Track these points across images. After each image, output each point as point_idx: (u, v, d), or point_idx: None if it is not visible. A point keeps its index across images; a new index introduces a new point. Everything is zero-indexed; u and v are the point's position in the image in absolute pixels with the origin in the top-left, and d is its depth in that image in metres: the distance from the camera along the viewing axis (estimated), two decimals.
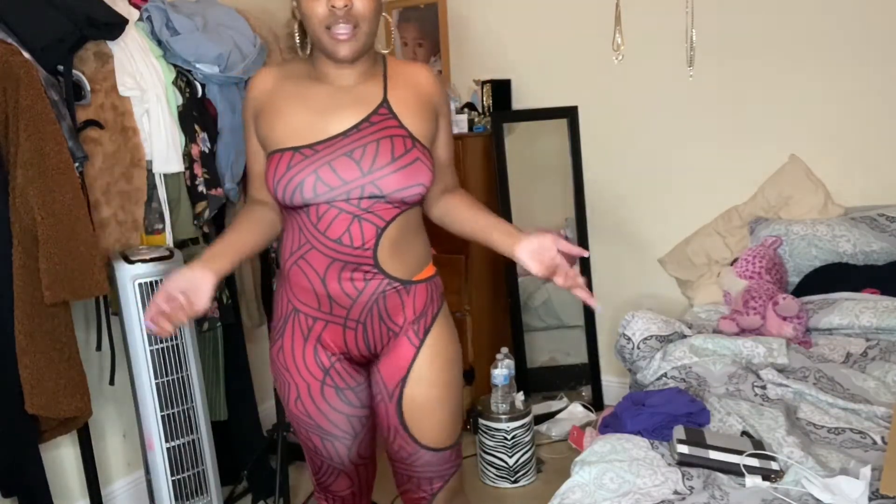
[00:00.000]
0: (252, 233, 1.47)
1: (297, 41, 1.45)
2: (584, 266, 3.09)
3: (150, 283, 1.97)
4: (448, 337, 1.51)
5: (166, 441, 2.02)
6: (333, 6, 1.28)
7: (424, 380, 1.47)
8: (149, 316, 1.29)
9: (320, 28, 1.32)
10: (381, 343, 1.48)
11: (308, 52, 1.46)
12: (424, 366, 1.47)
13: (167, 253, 2.03)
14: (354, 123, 1.38)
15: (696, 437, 1.60)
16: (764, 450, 1.56)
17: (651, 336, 2.17)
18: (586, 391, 3.13)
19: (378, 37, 1.44)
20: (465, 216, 1.49)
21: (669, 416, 1.69)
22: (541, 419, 2.93)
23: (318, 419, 1.50)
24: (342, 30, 1.30)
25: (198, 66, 2.26)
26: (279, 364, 1.51)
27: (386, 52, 1.49)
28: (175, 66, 2.23)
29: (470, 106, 3.10)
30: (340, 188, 1.35)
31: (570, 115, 3.03)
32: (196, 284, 1.32)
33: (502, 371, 2.58)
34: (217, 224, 2.44)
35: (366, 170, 1.35)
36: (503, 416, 2.55)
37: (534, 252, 1.33)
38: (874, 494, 1.38)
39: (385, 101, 1.40)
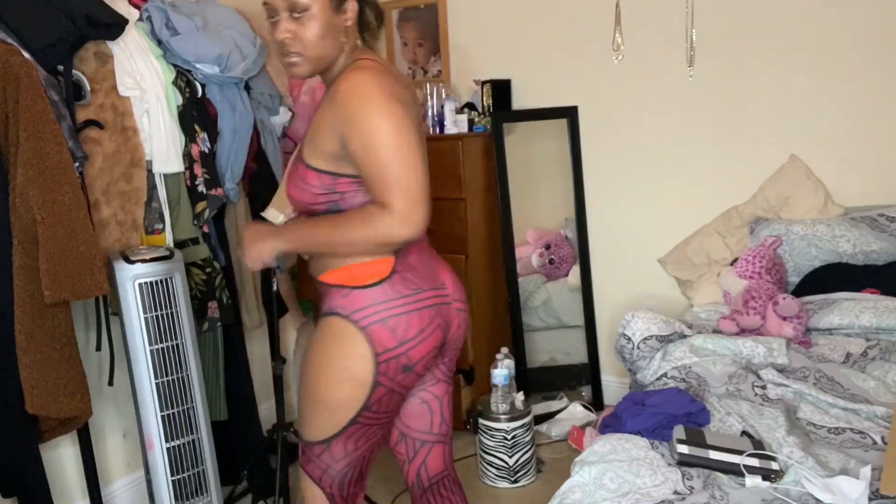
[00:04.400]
0: None
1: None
2: (585, 266, 3.10)
3: (150, 283, 1.97)
4: (311, 343, 1.54)
5: (166, 441, 2.02)
6: (276, 38, 1.45)
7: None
8: None
9: (278, 54, 1.49)
10: None
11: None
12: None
13: (167, 253, 2.03)
14: None
15: (696, 437, 1.60)
16: (764, 450, 1.56)
17: (651, 336, 2.17)
18: (586, 391, 3.13)
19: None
20: None
21: (669, 416, 1.69)
22: (541, 419, 2.92)
23: None
24: (289, 58, 1.47)
25: (198, 66, 2.26)
26: None
27: (360, 58, 1.49)
28: (175, 66, 2.23)
29: (470, 106, 3.10)
30: None
31: (570, 115, 3.03)
32: None
33: (502, 371, 2.58)
34: (217, 224, 2.44)
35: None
36: (503, 416, 2.55)
37: None
38: (874, 494, 1.38)
39: (312, 119, 1.54)
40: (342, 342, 1.46)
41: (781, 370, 2.02)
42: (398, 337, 1.46)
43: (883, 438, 1.62)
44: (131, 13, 2.16)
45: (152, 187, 2.16)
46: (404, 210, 1.35)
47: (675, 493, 1.46)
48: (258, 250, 1.51)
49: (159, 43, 2.20)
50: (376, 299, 1.46)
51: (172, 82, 2.20)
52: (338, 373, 1.47)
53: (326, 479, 1.56)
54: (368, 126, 1.36)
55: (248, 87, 2.45)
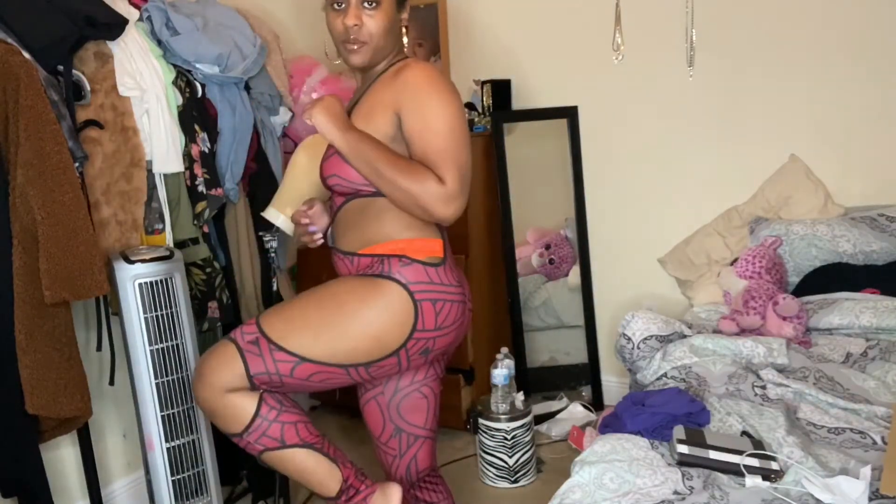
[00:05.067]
0: None
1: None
2: (585, 266, 3.10)
3: (150, 283, 1.97)
4: (346, 286, 1.54)
5: (166, 441, 2.02)
6: (345, 25, 1.50)
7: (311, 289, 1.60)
8: None
9: (339, 40, 1.54)
10: None
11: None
12: (320, 286, 1.59)
13: (167, 253, 2.03)
14: None
15: (696, 437, 1.60)
16: (764, 450, 1.56)
17: (651, 336, 2.17)
18: (586, 391, 3.13)
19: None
20: None
21: (669, 416, 1.69)
22: (541, 419, 2.92)
23: None
24: (353, 44, 1.52)
25: (198, 66, 2.26)
26: None
27: (406, 56, 1.60)
28: (175, 66, 2.23)
29: (470, 106, 3.10)
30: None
31: (570, 115, 3.03)
32: None
33: (502, 371, 2.58)
34: (217, 224, 2.44)
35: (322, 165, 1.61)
36: (503, 416, 2.55)
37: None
38: (874, 494, 1.38)
39: (352, 107, 1.60)
40: (392, 308, 1.49)
41: (781, 370, 2.02)
42: (438, 321, 1.52)
43: (883, 438, 1.62)
44: (131, 13, 2.16)
45: (152, 187, 2.16)
46: (455, 190, 1.42)
47: (675, 493, 1.46)
48: (322, 117, 1.48)
49: (159, 43, 2.20)
50: (433, 279, 1.51)
51: (172, 82, 2.20)
52: (370, 331, 1.49)
53: (263, 378, 1.50)
54: (432, 108, 1.45)
55: (248, 87, 2.45)
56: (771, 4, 2.61)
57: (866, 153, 2.56)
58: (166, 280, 2.00)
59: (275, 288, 2.41)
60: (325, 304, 1.52)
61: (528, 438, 2.58)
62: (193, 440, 2.06)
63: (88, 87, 2.01)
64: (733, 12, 2.67)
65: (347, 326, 1.49)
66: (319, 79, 2.75)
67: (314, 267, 3.02)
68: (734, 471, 1.50)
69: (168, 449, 2.02)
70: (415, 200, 1.43)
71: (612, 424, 1.77)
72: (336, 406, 3.08)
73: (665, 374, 2.07)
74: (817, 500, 1.38)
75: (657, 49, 2.80)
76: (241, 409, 1.51)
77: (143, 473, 2.15)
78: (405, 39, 1.64)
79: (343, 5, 1.50)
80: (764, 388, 1.90)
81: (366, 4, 1.49)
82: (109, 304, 2.10)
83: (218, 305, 2.35)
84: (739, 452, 1.53)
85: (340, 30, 1.51)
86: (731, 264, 2.60)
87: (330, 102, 1.51)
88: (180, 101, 2.22)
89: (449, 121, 1.45)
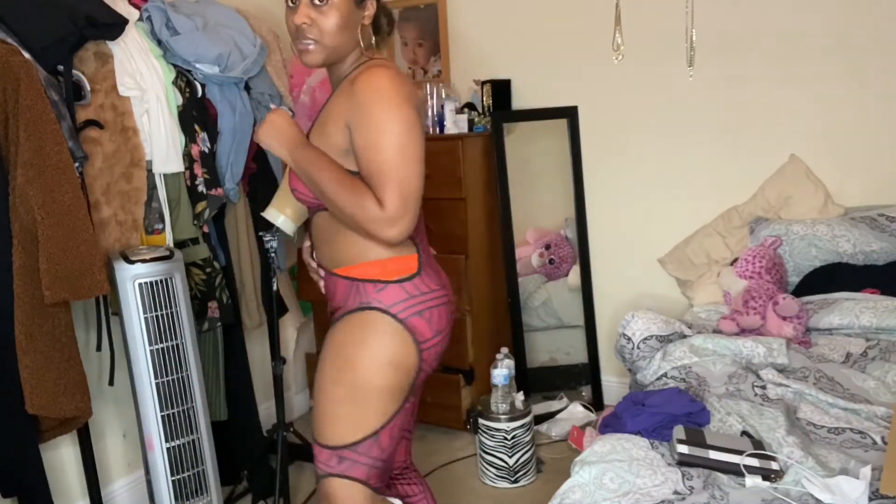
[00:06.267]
0: None
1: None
2: (585, 266, 3.10)
3: (150, 283, 1.97)
4: (337, 340, 1.51)
5: (166, 441, 2.02)
6: (295, 23, 1.45)
7: (317, 371, 1.56)
8: None
9: (292, 39, 1.49)
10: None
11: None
12: (320, 361, 1.56)
13: (167, 253, 2.03)
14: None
15: (696, 437, 1.60)
16: (764, 450, 1.56)
17: (651, 336, 2.17)
18: (586, 391, 3.13)
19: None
20: None
21: (669, 416, 1.69)
22: (541, 419, 2.92)
23: None
24: (304, 43, 1.46)
25: (198, 66, 2.26)
26: None
27: (373, 58, 1.52)
28: (175, 66, 2.23)
29: (470, 106, 3.10)
30: None
31: (570, 115, 3.03)
32: None
33: (502, 371, 2.58)
34: (217, 224, 2.44)
35: None
36: (503, 416, 2.55)
37: None
38: (874, 494, 1.38)
39: (319, 113, 1.56)
40: (385, 334, 1.47)
41: (781, 370, 2.02)
42: (433, 328, 1.51)
43: (883, 438, 1.62)
44: (131, 13, 2.16)
45: (152, 187, 2.16)
46: (395, 214, 1.37)
47: (675, 493, 1.46)
48: (268, 139, 1.50)
49: (159, 43, 2.20)
50: (411, 292, 1.49)
51: (172, 82, 2.20)
52: (387, 359, 1.47)
53: (374, 473, 1.52)
54: (378, 123, 1.38)
55: (248, 87, 2.45)
56: (771, 4, 2.61)
57: (866, 153, 2.56)
58: (166, 280, 2.00)
59: (275, 288, 2.41)
60: (345, 373, 1.49)
61: (528, 438, 2.58)
62: (193, 440, 2.06)
63: (88, 87, 2.01)
64: (733, 12, 2.67)
65: (375, 373, 1.48)
66: (319, 79, 2.76)
67: None
68: (734, 471, 1.50)
69: (168, 449, 2.02)
70: (355, 222, 1.40)
71: (612, 424, 1.77)
72: None
73: (665, 374, 2.07)
74: (817, 500, 1.38)
75: (657, 49, 2.80)
76: None
77: (143, 473, 2.15)
78: (361, 39, 1.51)
79: (295, 3, 1.45)
80: (764, 388, 1.90)
81: (316, 2, 1.43)
82: (109, 304, 2.10)
83: (218, 305, 2.35)
84: (739, 452, 1.54)
85: (292, 28, 1.47)
86: (731, 264, 2.60)
87: (276, 120, 1.49)
88: (180, 101, 2.22)
89: (396, 138, 1.37)
